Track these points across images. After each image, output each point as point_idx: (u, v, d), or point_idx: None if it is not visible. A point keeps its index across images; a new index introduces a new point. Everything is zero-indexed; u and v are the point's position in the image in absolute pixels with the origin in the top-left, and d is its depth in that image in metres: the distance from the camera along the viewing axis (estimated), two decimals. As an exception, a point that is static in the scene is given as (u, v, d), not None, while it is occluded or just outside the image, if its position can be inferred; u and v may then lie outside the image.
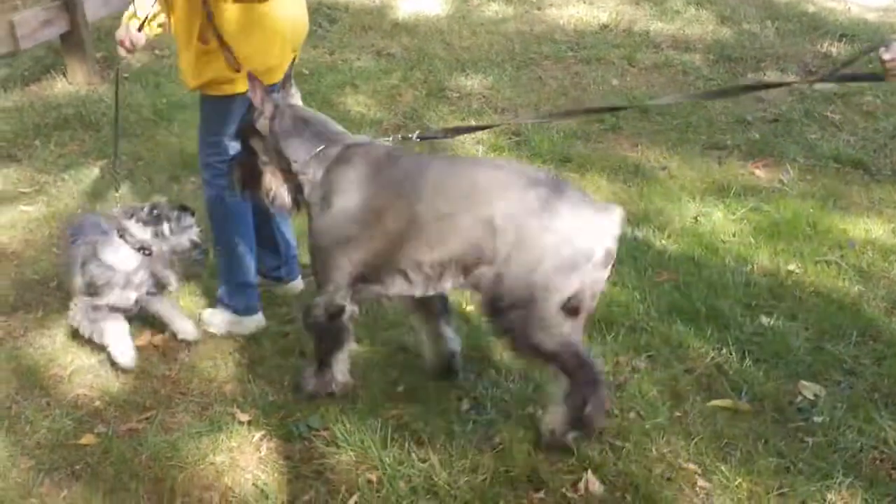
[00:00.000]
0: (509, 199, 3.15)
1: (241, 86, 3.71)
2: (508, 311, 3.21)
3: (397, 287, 3.40)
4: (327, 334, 3.61)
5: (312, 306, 3.57)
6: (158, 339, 4.26)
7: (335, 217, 3.36)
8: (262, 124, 3.48)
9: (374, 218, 3.30)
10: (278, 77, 3.72)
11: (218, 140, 3.98)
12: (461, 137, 6.45)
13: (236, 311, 4.27)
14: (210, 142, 4.02)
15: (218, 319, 4.30)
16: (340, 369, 3.74)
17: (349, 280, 3.43)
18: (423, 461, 3.41)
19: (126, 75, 7.57)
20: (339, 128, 3.57)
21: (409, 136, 3.87)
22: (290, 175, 3.50)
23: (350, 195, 3.33)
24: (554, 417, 3.42)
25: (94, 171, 5.97)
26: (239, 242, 4.17)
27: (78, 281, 4.00)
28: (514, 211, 3.13)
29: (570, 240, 3.11)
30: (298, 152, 3.44)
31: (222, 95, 3.85)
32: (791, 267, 4.65)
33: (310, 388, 3.76)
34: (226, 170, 3.82)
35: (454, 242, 3.21)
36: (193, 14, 3.70)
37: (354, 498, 3.27)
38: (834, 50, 8.15)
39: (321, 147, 3.43)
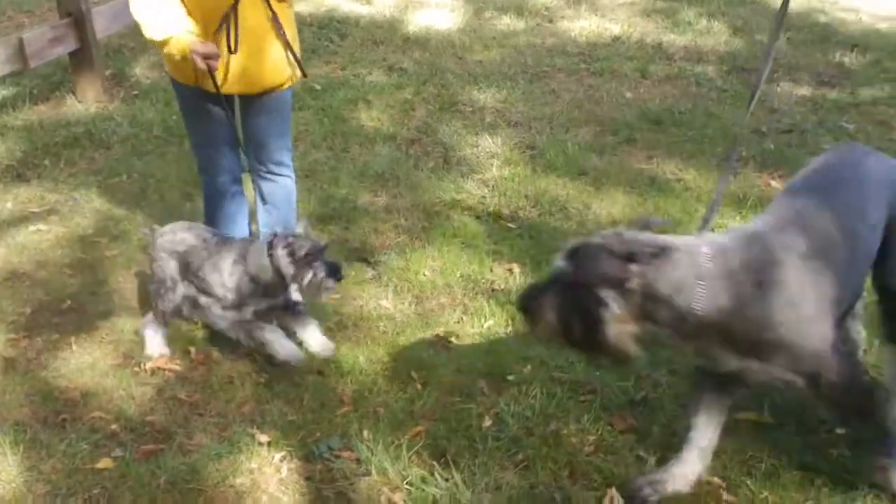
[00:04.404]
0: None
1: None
2: None
3: None
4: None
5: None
6: (175, 361, 4.21)
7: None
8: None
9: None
10: None
11: (289, 128, 4.48)
12: (474, 151, 6.43)
13: None
14: (286, 131, 4.46)
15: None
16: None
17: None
18: (447, 479, 3.35)
19: (136, 93, 7.55)
20: None
21: None
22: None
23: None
24: None
25: (105, 191, 5.95)
26: None
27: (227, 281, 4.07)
28: None
29: None
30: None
31: (290, 86, 4.35)
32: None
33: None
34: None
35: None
36: (264, 15, 4.07)
37: (378, 518, 3.22)
38: (846, 60, 8.11)
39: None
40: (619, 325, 2.80)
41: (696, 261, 2.80)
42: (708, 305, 2.79)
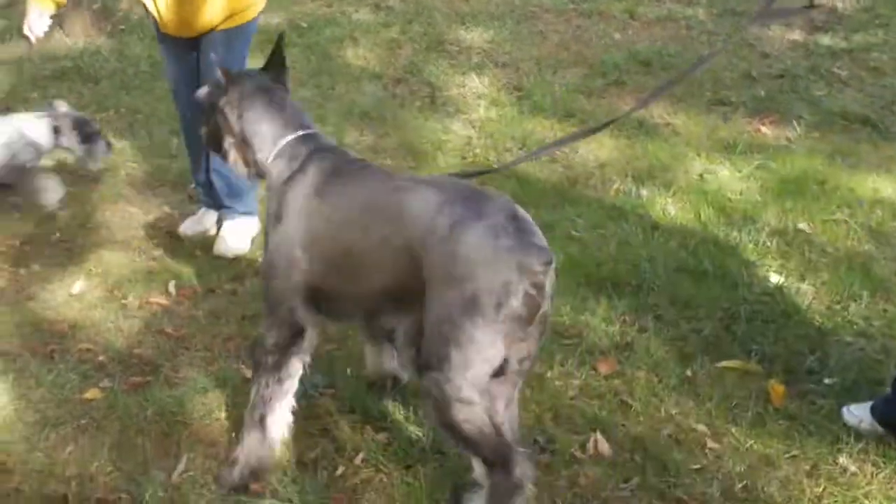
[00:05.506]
0: (422, 223, 2.60)
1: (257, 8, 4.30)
2: (425, 370, 2.62)
3: (347, 319, 3.05)
4: (273, 375, 3.07)
5: (259, 338, 3.11)
6: (161, 297, 4.23)
7: (281, 237, 2.94)
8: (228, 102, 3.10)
9: (312, 243, 2.88)
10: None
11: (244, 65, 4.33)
12: (460, 91, 6.40)
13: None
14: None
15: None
16: (278, 429, 3.14)
17: (302, 305, 2.97)
18: (430, 419, 3.38)
19: (123, 27, 7.48)
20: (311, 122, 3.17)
21: None
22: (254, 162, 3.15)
23: (296, 215, 2.92)
24: None
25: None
26: None
27: None
28: (426, 238, 2.58)
29: (476, 277, 2.47)
30: (264, 143, 3.07)
31: (249, 21, 4.25)
32: (801, 226, 4.60)
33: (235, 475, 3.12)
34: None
35: (380, 276, 2.74)
36: None
37: (361, 455, 3.24)
38: (840, 4, 8.05)
39: (288, 139, 3.04)
40: (234, 146, 3.15)
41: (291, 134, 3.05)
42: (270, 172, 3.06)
